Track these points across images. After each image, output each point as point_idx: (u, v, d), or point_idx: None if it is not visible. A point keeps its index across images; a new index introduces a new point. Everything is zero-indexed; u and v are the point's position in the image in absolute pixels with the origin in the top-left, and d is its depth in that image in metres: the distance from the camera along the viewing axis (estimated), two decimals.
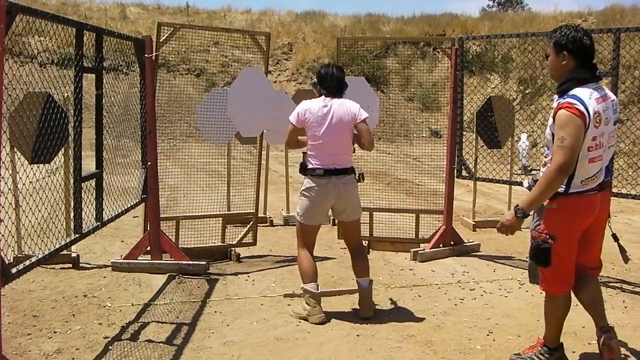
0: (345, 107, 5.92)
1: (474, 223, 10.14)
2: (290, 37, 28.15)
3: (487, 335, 5.53)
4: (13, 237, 6.98)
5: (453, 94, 8.17)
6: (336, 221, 7.38)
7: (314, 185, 5.85)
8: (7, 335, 5.25)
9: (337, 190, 5.87)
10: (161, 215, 7.39)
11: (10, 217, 6.85)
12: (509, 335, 5.51)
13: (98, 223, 5.68)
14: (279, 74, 26.28)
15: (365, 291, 6.04)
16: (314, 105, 5.89)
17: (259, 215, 8.84)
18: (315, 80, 6.13)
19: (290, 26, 29.37)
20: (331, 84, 5.98)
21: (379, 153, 11.20)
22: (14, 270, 4.09)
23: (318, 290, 5.90)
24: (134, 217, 9.30)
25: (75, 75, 5.09)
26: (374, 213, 8.57)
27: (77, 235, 5.20)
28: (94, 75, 5.64)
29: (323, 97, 5.95)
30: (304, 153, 6.18)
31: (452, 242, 8.37)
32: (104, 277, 7.07)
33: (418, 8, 74.33)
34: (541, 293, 4.82)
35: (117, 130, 6.36)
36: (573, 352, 5.12)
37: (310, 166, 5.90)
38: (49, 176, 5.54)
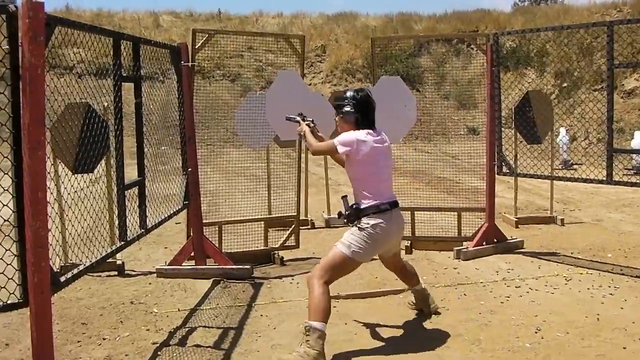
0: (385, 137, 5.51)
1: (516, 220, 10.06)
2: (323, 39, 28.19)
3: (535, 332, 5.48)
4: (60, 246, 7.10)
5: (490, 90, 8.11)
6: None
7: (381, 221, 5.21)
8: (57, 342, 5.30)
9: (398, 225, 5.45)
10: (204, 221, 7.43)
11: (57, 227, 6.97)
12: (558, 332, 5.45)
13: (142, 230, 5.72)
14: (313, 77, 26.33)
15: (421, 292, 6.04)
16: (368, 138, 5.28)
17: (301, 218, 8.85)
18: (349, 107, 5.41)
19: (322, 28, 29.40)
20: (372, 115, 5.48)
21: (417, 152, 11.16)
22: (62, 278, 4.14)
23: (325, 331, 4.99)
24: (176, 223, 9.37)
25: (114, 85, 5.13)
26: (416, 212, 8.53)
27: (122, 243, 5.25)
28: (130, 84, 5.68)
29: (366, 130, 5.35)
30: (343, 197, 5.47)
31: (495, 240, 8.31)
32: (150, 283, 7.14)
33: (450, 5, 74.04)
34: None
35: (155, 138, 6.41)
36: (624, 347, 5.07)
37: (369, 204, 5.24)
38: (91, 185, 5.61)
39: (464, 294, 6.60)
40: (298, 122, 6.00)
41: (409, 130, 8.63)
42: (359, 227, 5.22)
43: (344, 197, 5.44)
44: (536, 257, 7.99)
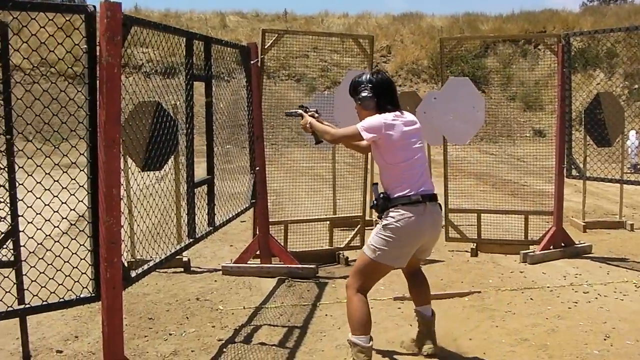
0: (414, 117, 4.95)
1: (584, 224, 9.87)
2: (388, 40, 28.11)
3: (604, 339, 5.37)
4: (131, 242, 7.22)
5: (561, 92, 7.98)
6: None
7: (410, 215, 4.59)
8: (125, 337, 5.34)
9: (433, 221, 4.75)
10: (270, 220, 7.48)
11: (129, 223, 7.09)
12: (627, 340, 5.34)
13: (210, 228, 5.78)
14: None
15: (429, 322, 5.13)
16: (396, 121, 4.73)
17: (366, 219, 8.84)
18: (366, 91, 4.83)
19: (388, 29, 29.32)
20: (395, 94, 4.97)
21: (482, 154, 11.09)
22: (133, 274, 4.21)
23: (370, 343, 4.70)
24: (242, 221, 9.46)
25: (187, 84, 5.20)
26: (482, 215, 8.45)
27: (191, 240, 5.31)
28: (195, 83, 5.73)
29: (392, 113, 4.78)
30: (373, 184, 5.05)
31: (562, 244, 8.17)
32: (215, 280, 7.22)
33: (517, 5, 73.06)
34: None
35: (221, 137, 6.48)
36: None
37: (399, 194, 4.65)
38: (158, 183, 5.69)
39: (531, 299, 6.51)
40: (300, 115, 5.37)
41: (476, 132, 8.56)
42: (383, 225, 4.65)
43: (375, 185, 4.99)
44: (605, 263, 7.83)
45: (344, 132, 5.01)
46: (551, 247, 8.07)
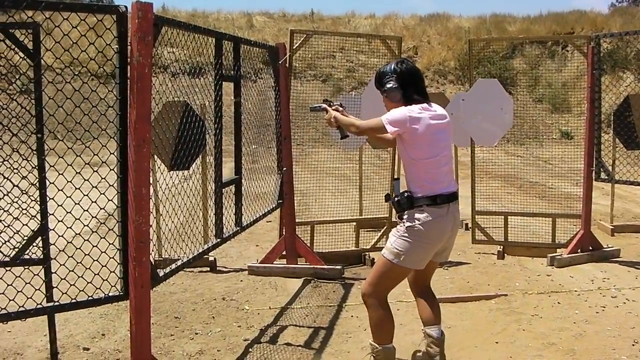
0: (444, 111, 4.66)
1: (612, 227, 9.78)
2: (415, 41, 27.99)
3: (633, 345, 5.32)
4: (158, 240, 7.26)
5: (590, 94, 7.91)
6: None
7: (435, 216, 4.38)
8: (151, 335, 5.42)
9: (453, 222, 4.54)
10: (296, 220, 7.49)
11: (157, 222, 7.13)
12: None
13: (238, 228, 5.81)
14: None
15: (439, 343, 4.67)
16: (423, 114, 4.43)
17: (392, 220, 8.82)
18: (392, 82, 4.57)
19: (414, 29, 29.20)
20: (422, 84, 4.67)
21: (509, 155, 11.03)
22: (161, 273, 4.23)
23: (394, 350, 4.60)
24: (268, 221, 9.47)
25: (215, 84, 5.21)
26: (509, 217, 8.40)
27: (218, 240, 5.34)
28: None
29: (419, 105, 4.48)
30: (395, 179, 4.82)
31: (590, 247, 8.09)
32: (241, 280, 7.24)
33: (544, 6, 72.53)
34: None
35: (248, 137, 6.49)
36: None
37: (424, 194, 4.40)
38: (184, 182, 5.72)
39: (558, 302, 6.45)
40: (325, 109, 5.13)
41: (504, 134, 8.51)
42: (407, 227, 4.39)
43: (396, 180, 4.76)
44: (633, 267, 7.75)
45: (369, 124, 4.75)
46: (579, 250, 8.00)
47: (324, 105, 5.15)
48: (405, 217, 4.44)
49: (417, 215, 4.37)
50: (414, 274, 4.74)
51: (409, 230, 4.39)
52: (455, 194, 4.52)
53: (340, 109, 5.08)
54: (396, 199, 4.51)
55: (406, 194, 4.45)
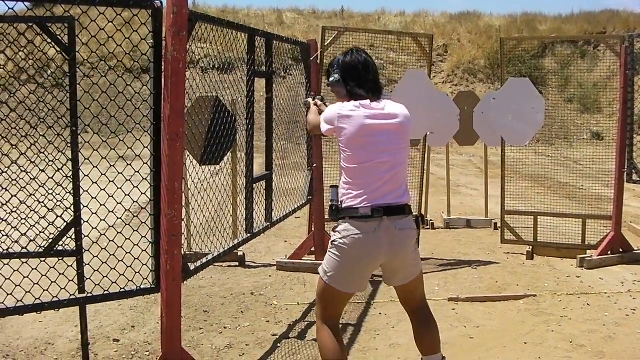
0: (397, 110, 3.95)
1: None
2: (445, 39, 27.88)
3: None
4: (188, 234, 7.31)
5: (623, 94, 7.84)
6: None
7: (357, 232, 3.69)
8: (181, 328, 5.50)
9: (391, 239, 3.74)
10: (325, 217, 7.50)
11: (188, 216, 7.17)
12: None
13: (267, 223, 5.83)
14: (434, 76, 26.11)
15: None
16: (355, 112, 3.81)
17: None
18: (337, 75, 4.05)
19: (444, 27, 29.08)
20: (370, 77, 4.03)
21: (538, 156, 10.94)
22: (192, 267, 4.26)
23: None
24: (296, 217, 9.49)
25: (248, 80, 5.24)
26: (538, 218, 8.35)
27: (248, 235, 5.37)
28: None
29: (358, 101, 3.89)
30: (334, 187, 4.04)
31: (621, 250, 8.01)
32: (270, 276, 7.27)
33: (577, 5, 71.84)
34: None
35: (278, 133, 6.51)
36: None
37: (348, 203, 3.77)
38: (214, 177, 5.74)
39: (587, 304, 6.40)
40: (308, 106, 4.77)
41: (535, 134, 8.45)
42: (331, 241, 3.85)
43: (333, 187, 4.05)
44: None
45: (313, 122, 4.41)
46: (609, 252, 7.93)
47: (309, 101, 4.79)
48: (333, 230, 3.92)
49: (339, 229, 3.79)
50: (399, 292, 4.15)
51: (332, 245, 3.82)
52: (397, 208, 3.79)
53: (320, 102, 4.68)
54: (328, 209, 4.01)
55: (333, 204, 3.90)
